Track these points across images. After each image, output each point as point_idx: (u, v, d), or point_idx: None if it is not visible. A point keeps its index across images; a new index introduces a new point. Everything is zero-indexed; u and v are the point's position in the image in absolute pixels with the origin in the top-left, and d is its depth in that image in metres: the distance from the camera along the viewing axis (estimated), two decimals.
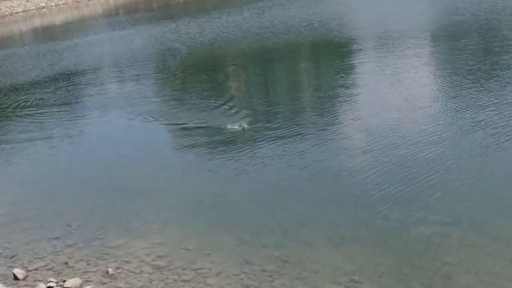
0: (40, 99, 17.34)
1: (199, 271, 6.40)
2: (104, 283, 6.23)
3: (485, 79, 13.70)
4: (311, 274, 6.00)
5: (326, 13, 24.96)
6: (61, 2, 47.98)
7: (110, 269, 6.49)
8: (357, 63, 17.54)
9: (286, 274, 6.08)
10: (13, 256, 7.15)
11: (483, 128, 10.21)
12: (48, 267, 6.85)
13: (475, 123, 10.46)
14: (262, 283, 5.96)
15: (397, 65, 16.21)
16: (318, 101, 14.40)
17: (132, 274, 6.42)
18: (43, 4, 46.49)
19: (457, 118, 11.15)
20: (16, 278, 6.49)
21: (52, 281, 6.32)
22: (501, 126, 10.09)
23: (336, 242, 6.65)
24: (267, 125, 12.07)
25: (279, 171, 9.60)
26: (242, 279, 6.09)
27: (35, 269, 6.77)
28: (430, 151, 9.48)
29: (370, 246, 6.49)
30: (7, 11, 42.45)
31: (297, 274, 6.06)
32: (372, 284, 5.65)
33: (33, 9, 44.13)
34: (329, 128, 11.45)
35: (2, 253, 7.28)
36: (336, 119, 12.40)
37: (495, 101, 11.64)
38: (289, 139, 10.91)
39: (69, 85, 19.36)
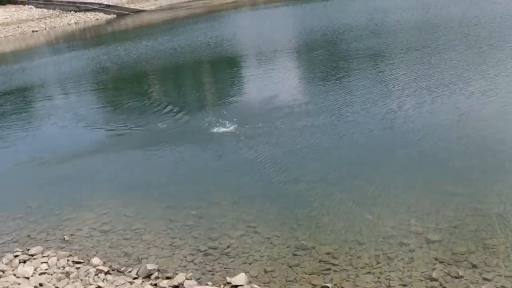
0: None
1: (136, 231, 7.33)
2: (62, 248, 7.09)
3: (333, 80, 15.21)
4: (219, 225, 7.09)
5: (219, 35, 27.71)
6: (9, 34, 50.29)
7: (66, 237, 7.40)
8: (238, 74, 19.43)
9: (201, 226, 7.14)
10: None
11: (336, 114, 11.56)
12: (13, 240, 7.60)
13: (330, 111, 11.81)
14: (184, 234, 6.97)
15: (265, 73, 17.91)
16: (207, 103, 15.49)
17: (84, 238, 7.32)
18: None
19: (315, 107, 12.45)
20: None
21: (18, 251, 7.07)
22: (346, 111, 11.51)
23: (235, 201, 7.76)
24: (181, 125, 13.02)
25: (191, 158, 10.44)
26: (169, 233, 7.09)
27: (2, 243, 7.51)
28: (300, 134, 10.54)
29: (260, 201, 7.64)
30: None
31: (209, 225, 7.13)
32: (263, 227, 6.80)
33: None
34: (225, 121, 12.10)
35: None
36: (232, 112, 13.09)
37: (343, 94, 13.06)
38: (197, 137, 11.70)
39: (20, 99, 20.51)
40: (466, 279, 5.14)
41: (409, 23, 23.35)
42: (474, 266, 5.29)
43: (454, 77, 12.87)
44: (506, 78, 11.89)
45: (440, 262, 5.46)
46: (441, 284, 5.10)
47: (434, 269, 5.37)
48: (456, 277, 5.18)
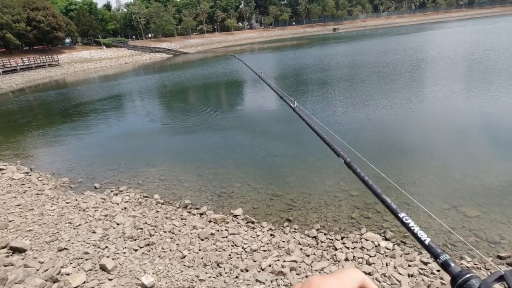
0: (102, 109, 17.88)
1: (179, 180, 6.87)
2: (137, 187, 6.70)
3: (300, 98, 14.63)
4: (227, 179, 6.66)
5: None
6: (112, 64, 49.48)
7: (140, 181, 6.97)
8: (241, 91, 18.28)
9: (217, 179, 6.70)
10: (93, 178, 7.43)
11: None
12: (110, 182, 7.17)
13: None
14: (207, 183, 6.54)
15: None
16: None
17: (150, 183, 6.88)
18: (103, 65, 47.97)
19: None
20: (95, 187, 6.92)
21: (113, 188, 6.76)
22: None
23: (237, 166, 7.35)
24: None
25: (211, 139, 9.87)
26: (198, 182, 6.64)
27: (104, 183, 7.11)
28: (274, 131, 10.03)
29: (252, 167, 7.20)
30: (84, 70, 44.97)
31: (221, 179, 6.69)
32: (253, 182, 6.37)
33: (98, 68, 46.23)
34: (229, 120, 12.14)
35: (88, 177, 7.49)
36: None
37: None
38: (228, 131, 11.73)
39: (116, 101, 20.14)
40: (373, 219, 4.75)
41: (344, 63, 22.66)
42: (378, 212, 4.91)
43: (368, 97, 12.29)
44: (400, 98, 11.27)
45: (357, 208, 5.07)
46: (357, 222, 4.72)
47: (353, 212, 5.01)
48: (366, 217, 4.81)
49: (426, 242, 0.64)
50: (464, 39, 31.37)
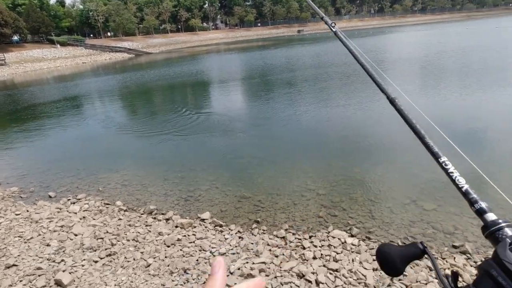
0: (56, 112, 16.35)
1: (144, 185, 6.53)
2: (97, 194, 6.36)
3: (263, 97, 14.76)
4: (194, 182, 6.44)
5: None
6: (68, 64, 46.23)
7: (100, 188, 6.64)
8: (207, 92, 18.17)
9: (183, 183, 6.47)
10: (48, 186, 6.98)
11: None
12: (67, 189, 6.71)
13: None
14: (173, 187, 6.30)
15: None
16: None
17: (111, 189, 6.56)
18: (58, 65, 45.01)
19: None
20: (50, 197, 6.47)
21: (70, 196, 6.34)
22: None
23: (204, 168, 7.21)
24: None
25: (177, 142, 9.62)
26: (164, 186, 6.37)
27: (60, 191, 6.66)
28: (244, 131, 10.22)
29: (219, 169, 7.08)
30: (36, 69, 41.70)
31: (188, 182, 6.46)
32: (220, 184, 6.28)
33: (52, 68, 43.26)
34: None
35: (42, 185, 7.05)
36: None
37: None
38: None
39: (72, 102, 19.78)
40: (339, 217, 4.87)
41: (307, 64, 23.12)
42: (344, 209, 5.03)
43: (327, 96, 12.65)
44: (358, 97, 11.68)
45: (324, 207, 5.16)
46: (324, 220, 4.80)
47: (320, 210, 5.09)
48: (333, 216, 4.92)
49: (463, 189, 0.64)
50: (420, 41, 33.53)
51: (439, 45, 28.10)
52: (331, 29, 1.56)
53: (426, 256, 0.56)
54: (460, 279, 0.52)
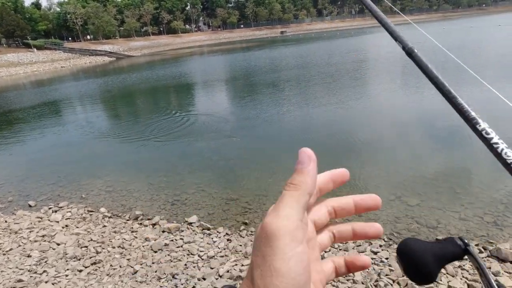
0: (34, 118, 15.94)
1: (128, 190, 6.43)
2: (80, 202, 6.20)
3: (248, 97, 14.83)
4: (180, 186, 6.40)
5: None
6: (46, 68, 44.99)
7: (83, 195, 6.47)
8: (190, 94, 18.02)
9: (169, 187, 6.39)
10: (27, 195, 6.75)
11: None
12: (48, 198, 6.54)
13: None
14: (159, 192, 6.21)
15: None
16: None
17: (95, 195, 6.39)
18: (35, 70, 43.76)
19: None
20: (30, 206, 6.29)
21: (51, 205, 6.17)
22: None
23: (190, 171, 7.15)
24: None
25: (162, 146, 9.56)
26: (149, 191, 6.29)
27: (41, 200, 6.48)
28: (230, 133, 10.23)
29: (205, 172, 7.04)
30: (12, 74, 40.41)
31: (174, 186, 6.40)
32: (207, 187, 6.21)
33: (29, 72, 41.99)
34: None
35: (21, 194, 6.82)
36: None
37: None
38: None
39: (52, 107, 19.31)
40: None
41: (291, 65, 23.23)
42: None
43: (310, 96, 12.77)
44: (340, 96, 11.83)
45: None
46: None
47: None
48: None
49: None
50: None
51: (418, 44, 28.89)
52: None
53: (467, 256, 0.42)
54: None
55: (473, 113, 0.54)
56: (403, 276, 3.32)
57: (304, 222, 0.32)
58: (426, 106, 10.11)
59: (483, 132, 0.52)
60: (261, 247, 0.29)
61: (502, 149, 0.50)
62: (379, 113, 10.02)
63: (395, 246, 4.00)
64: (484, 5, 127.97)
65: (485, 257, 3.54)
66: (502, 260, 3.46)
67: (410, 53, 0.70)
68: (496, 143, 0.50)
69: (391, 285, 3.24)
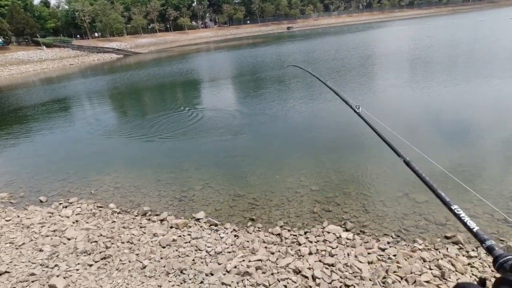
0: (44, 115, 16.16)
1: (137, 186, 6.48)
2: (90, 198, 6.28)
3: (252, 93, 14.69)
4: (188, 182, 6.43)
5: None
6: (55, 66, 45.69)
7: (92, 191, 6.57)
8: (196, 90, 17.96)
9: (177, 183, 6.44)
10: (38, 191, 6.87)
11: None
12: (58, 194, 6.63)
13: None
14: (166, 188, 6.26)
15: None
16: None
17: (104, 192, 6.48)
18: (44, 67, 44.29)
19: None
20: (41, 201, 6.38)
21: (61, 200, 6.26)
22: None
23: (198, 168, 7.16)
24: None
25: (168, 142, 9.54)
26: (157, 188, 6.32)
27: (52, 196, 6.57)
28: (233, 129, 10.18)
29: (212, 168, 7.07)
30: (22, 72, 41.34)
31: (181, 183, 6.42)
32: (214, 183, 6.23)
33: (38, 70, 42.43)
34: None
35: (32, 190, 6.92)
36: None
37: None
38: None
39: (62, 104, 19.33)
40: (333, 212, 4.90)
41: (300, 60, 22.68)
42: (338, 204, 5.07)
43: (318, 92, 12.69)
44: (348, 92, 11.65)
45: (318, 202, 5.20)
46: (319, 215, 4.84)
47: (315, 206, 5.11)
48: (327, 211, 4.95)
49: (474, 230, 0.76)
50: (410, 36, 33.87)
51: (428, 38, 28.44)
52: (355, 111, 2.05)
53: None
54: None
55: (448, 198, 0.95)
56: (411, 273, 3.30)
57: None
58: (433, 101, 9.96)
59: (455, 210, 0.85)
60: None
61: (467, 220, 0.78)
62: (386, 109, 9.91)
63: (403, 243, 3.98)
64: None
65: None
66: None
67: (408, 164, 1.22)
68: (464, 217, 0.80)
69: (399, 282, 3.23)
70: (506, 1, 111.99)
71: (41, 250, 4.39)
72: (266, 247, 4.08)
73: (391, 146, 1.33)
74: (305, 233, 4.37)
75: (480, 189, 5.02)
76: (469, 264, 3.38)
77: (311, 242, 4.10)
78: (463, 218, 0.79)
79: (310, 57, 25.17)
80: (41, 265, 4.05)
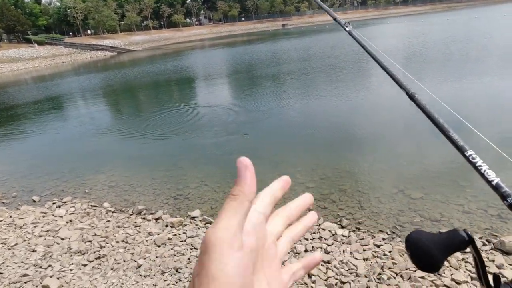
0: (37, 113, 15.94)
1: (131, 185, 6.47)
2: (84, 197, 6.22)
3: (249, 90, 14.78)
4: (183, 180, 6.43)
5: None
6: (47, 64, 44.98)
7: (86, 190, 6.50)
8: (192, 87, 17.96)
9: (172, 181, 6.44)
10: (31, 190, 6.80)
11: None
12: (52, 193, 6.56)
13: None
14: (161, 186, 6.23)
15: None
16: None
17: (98, 190, 6.43)
18: (36, 65, 43.80)
19: None
20: (34, 201, 6.30)
21: (55, 200, 6.20)
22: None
23: (193, 165, 7.16)
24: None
25: (162, 140, 9.48)
26: (152, 186, 6.30)
27: (45, 195, 6.50)
28: (229, 125, 10.21)
29: (207, 165, 7.05)
30: (13, 70, 40.89)
31: (176, 181, 6.41)
32: (209, 181, 6.22)
33: (30, 68, 41.84)
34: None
35: (25, 189, 6.84)
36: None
37: None
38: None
39: (54, 102, 19.16)
40: (329, 209, 4.92)
41: (295, 57, 23.02)
42: (333, 201, 5.08)
43: (312, 89, 12.66)
44: (342, 89, 11.75)
45: (314, 199, 4.88)
46: None
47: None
48: (323, 208, 4.96)
49: (494, 182, 0.60)
50: (404, 33, 34.01)
51: (422, 36, 28.58)
52: (344, 29, 1.66)
53: (470, 248, 0.47)
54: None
55: (461, 142, 0.70)
56: (406, 269, 3.32)
57: (250, 229, 0.34)
58: (429, 99, 10.01)
59: (470, 157, 0.65)
60: (200, 256, 0.31)
61: (485, 170, 0.61)
62: (382, 106, 9.95)
63: (398, 239, 4.00)
64: None
65: (489, 250, 3.53)
66: (505, 252, 3.45)
67: (412, 97, 0.91)
68: (480, 166, 0.62)
69: (394, 278, 3.25)
70: None
71: (34, 251, 4.35)
72: None
73: (393, 76, 0.98)
74: None
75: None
76: (463, 259, 3.41)
77: (306, 239, 4.11)
78: (479, 167, 0.63)
79: (305, 54, 25.16)
80: (34, 265, 4.01)
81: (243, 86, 15.98)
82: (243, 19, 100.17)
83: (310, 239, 4.11)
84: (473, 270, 3.22)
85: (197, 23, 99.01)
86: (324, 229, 4.28)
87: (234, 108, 11.76)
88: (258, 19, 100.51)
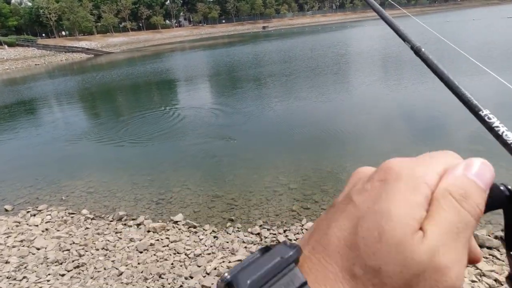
0: (7, 118, 15.30)
1: (111, 191, 6.32)
2: (60, 204, 6.03)
3: (232, 92, 14.82)
4: (165, 184, 6.34)
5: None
6: (18, 66, 43.07)
7: (63, 197, 6.31)
8: (173, 90, 17.76)
9: (153, 186, 6.32)
10: (3, 199, 6.48)
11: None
12: (26, 201, 6.31)
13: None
14: (142, 191, 6.11)
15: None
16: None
17: (75, 197, 6.24)
18: (7, 68, 41.52)
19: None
20: (6, 210, 6.03)
21: (29, 208, 5.96)
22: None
23: (175, 169, 7.09)
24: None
25: (143, 143, 9.34)
26: (133, 191, 6.18)
27: (18, 204, 6.24)
28: (213, 129, 10.21)
29: (190, 169, 7.02)
30: None
31: (158, 185, 6.31)
32: (192, 185, 6.17)
33: (0, 71, 39.73)
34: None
35: None
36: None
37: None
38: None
39: (27, 106, 18.77)
40: (312, 209, 4.99)
41: (276, 59, 23.16)
42: (316, 202, 5.18)
43: (293, 90, 12.81)
44: (322, 90, 11.91)
45: (297, 200, 5.25)
46: (298, 213, 4.91)
47: (293, 204, 5.19)
48: (306, 208, 5.04)
49: None
50: (380, 35, 35.03)
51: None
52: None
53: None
54: None
55: (474, 101, 0.53)
56: None
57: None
58: (408, 96, 10.36)
59: (486, 118, 0.51)
60: (371, 189, 0.26)
61: (503, 132, 0.48)
62: (362, 106, 10.18)
63: None
64: (459, 0, 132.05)
65: None
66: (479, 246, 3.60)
67: (417, 52, 0.76)
68: (497, 127, 0.49)
69: None
70: (468, 2, 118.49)
71: (7, 262, 4.17)
72: (246, 247, 4.09)
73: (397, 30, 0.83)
74: (285, 231, 4.42)
75: None
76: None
77: (290, 240, 4.14)
78: (497, 128, 0.51)
79: (286, 55, 25.44)
80: (7, 277, 3.84)
81: (225, 88, 15.96)
82: (223, 21, 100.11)
83: (294, 240, 4.14)
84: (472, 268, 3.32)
85: (176, 25, 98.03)
86: (307, 229, 4.32)
87: (215, 111, 11.70)
88: (238, 21, 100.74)
